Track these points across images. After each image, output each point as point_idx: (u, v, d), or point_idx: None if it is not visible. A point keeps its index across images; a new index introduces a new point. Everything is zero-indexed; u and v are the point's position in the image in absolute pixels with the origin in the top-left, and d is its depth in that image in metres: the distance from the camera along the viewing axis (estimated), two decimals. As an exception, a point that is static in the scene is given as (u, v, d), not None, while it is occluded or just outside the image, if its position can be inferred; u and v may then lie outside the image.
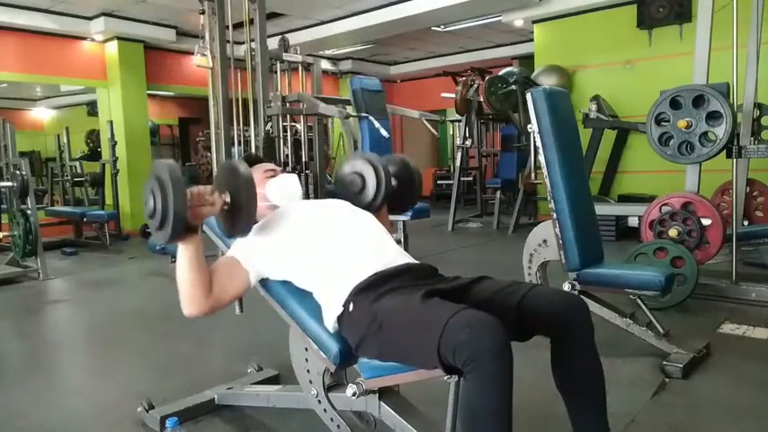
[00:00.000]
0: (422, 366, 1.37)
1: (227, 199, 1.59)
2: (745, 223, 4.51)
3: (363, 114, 4.10)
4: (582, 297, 2.20)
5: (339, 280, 1.56)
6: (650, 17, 6.48)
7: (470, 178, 8.68)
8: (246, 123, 4.04)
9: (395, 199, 2.01)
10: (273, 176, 1.89)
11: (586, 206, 2.64)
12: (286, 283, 1.72)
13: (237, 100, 3.87)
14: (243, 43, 3.83)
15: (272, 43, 4.24)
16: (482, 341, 1.20)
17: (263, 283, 1.77)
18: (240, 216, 1.60)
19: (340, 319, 1.54)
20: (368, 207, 1.88)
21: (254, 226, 1.73)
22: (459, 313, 1.26)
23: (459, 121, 7.89)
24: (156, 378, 2.70)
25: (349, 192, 1.93)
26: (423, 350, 1.29)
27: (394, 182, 1.97)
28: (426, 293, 1.40)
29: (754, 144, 3.92)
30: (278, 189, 1.84)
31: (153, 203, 1.47)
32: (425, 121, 5.74)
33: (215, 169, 4.17)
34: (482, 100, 7.15)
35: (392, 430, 1.65)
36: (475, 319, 1.24)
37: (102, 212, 6.94)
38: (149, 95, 8.62)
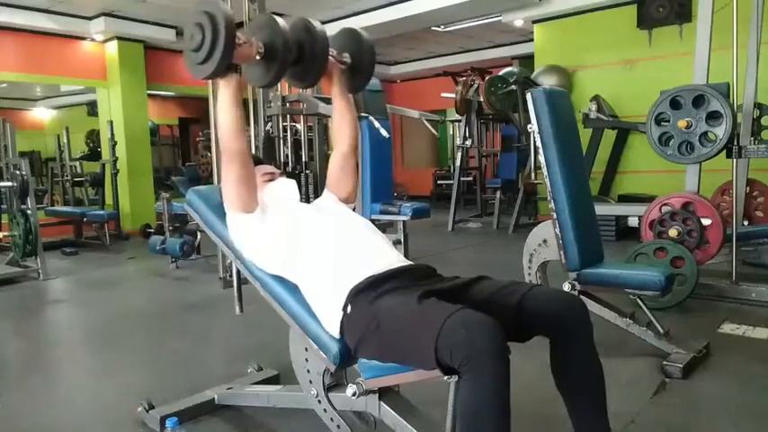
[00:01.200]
0: (420, 367, 1.37)
1: (261, 49, 1.63)
2: (745, 223, 4.51)
3: (363, 114, 4.09)
4: (581, 297, 2.20)
5: (336, 283, 1.55)
6: (650, 17, 6.48)
7: (470, 178, 8.69)
8: (246, 123, 4.04)
9: (350, 76, 1.94)
10: (272, 180, 1.90)
11: (586, 206, 2.64)
12: (286, 283, 1.72)
13: (237, 100, 3.87)
14: (243, 43, 3.82)
15: (272, 43, 4.23)
16: (478, 341, 1.20)
17: (263, 282, 1.77)
18: (273, 65, 1.64)
19: (342, 325, 1.54)
20: (312, 82, 1.85)
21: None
22: (456, 314, 1.25)
23: (459, 121, 7.89)
24: (156, 378, 2.70)
25: (286, 62, 1.74)
26: (420, 351, 1.29)
27: (347, 57, 1.91)
28: (424, 294, 1.40)
29: (754, 144, 3.92)
30: (276, 192, 1.85)
31: (201, 35, 1.52)
32: (425, 121, 5.73)
33: (215, 169, 4.17)
34: (482, 100, 7.15)
35: (392, 430, 1.65)
36: (471, 320, 1.24)
37: (102, 212, 6.93)
38: (149, 95, 8.61)
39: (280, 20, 1.66)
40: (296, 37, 1.74)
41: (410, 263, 1.67)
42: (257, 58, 1.64)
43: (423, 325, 1.30)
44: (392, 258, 1.64)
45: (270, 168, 1.98)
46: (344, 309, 1.52)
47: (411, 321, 1.35)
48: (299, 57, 1.75)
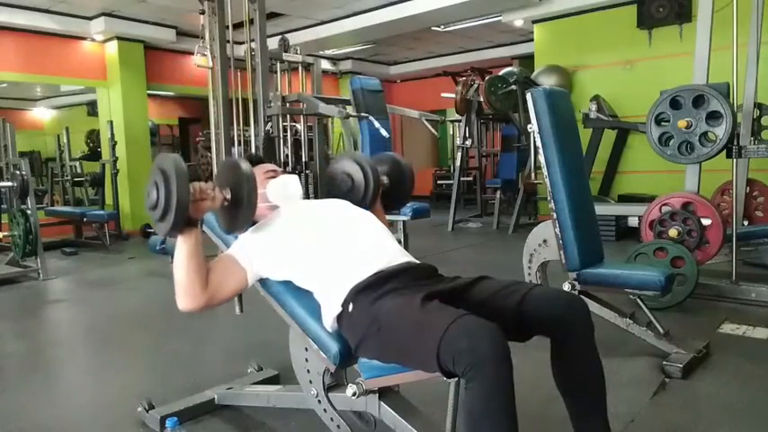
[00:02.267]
0: (420, 369, 1.36)
1: (228, 195, 1.62)
2: (745, 223, 4.51)
3: (363, 114, 4.09)
4: (582, 297, 2.20)
5: (339, 279, 1.56)
6: (650, 17, 6.48)
7: (470, 178, 8.68)
8: (246, 123, 4.03)
9: (388, 197, 2.03)
10: (274, 177, 1.90)
11: (586, 206, 2.64)
12: (286, 283, 1.72)
13: (237, 100, 3.87)
14: (243, 43, 3.82)
15: (272, 43, 4.23)
16: (481, 349, 1.20)
17: (263, 282, 1.77)
18: (240, 212, 1.63)
19: (339, 318, 1.55)
20: (359, 206, 1.89)
21: (255, 226, 1.73)
22: (459, 320, 1.25)
23: (459, 121, 7.89)
24: (156, 378, 2.70)
25: (339, 191, 1.95)
26: (422, 355, 1.29)
27: (386, 180, 2.00)
28: (426, 296, 1.39)
29: (754, 144, 3.91)
30: (278, 190, 1.84)
31: (156, 195, 1.50)
32: (425, 121, 5.74)
33: (215, 169, 4.17)
34: (482, 100, 7.14)
35: (392, 430, 1.65)
36: (474, 326, 1.24)
37: (102, 212, 6.93)
38: (149, 95, 8.62)
39: (243, 162, 1.66)
40: (348, 172, 1.95)
41: (412, 259, 1.67)
42: (225, 205, 1.63)
43: (425, 330, 1.30)
44: (395, 255, 1.64)
45: (271, 166, 1.98)
46: (345, 307, 1.52)
47: (413, 325, 1.35)
48: (354, 190, 1.94)
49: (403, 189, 2.09)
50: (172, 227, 1.50)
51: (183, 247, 1.58)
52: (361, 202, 1.92)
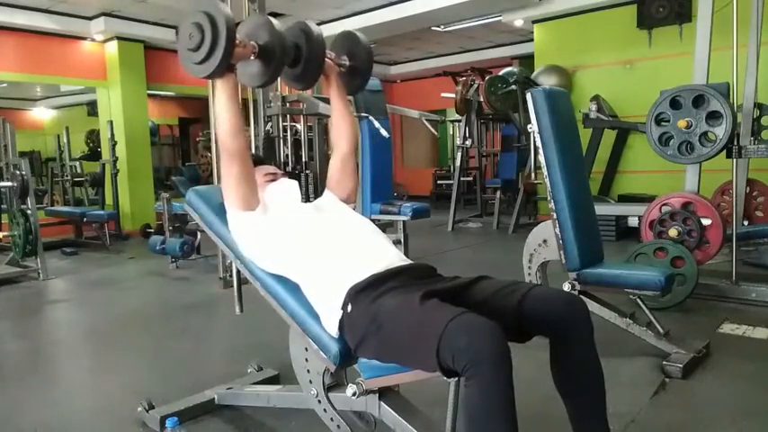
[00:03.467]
0: (421, 368, 1.36)
1: (256, 49, 1.65)
2: (745, 223, 4.51)
3: (363, 114, 4.09)
4: (582, 298, 2.20)
5: (337, 282, 1.56)
6: (650, 17, 6.48)
7: (470, 178, 8.68)
8: (247, 123, 4.04)
9: (350, 75, 1.96)
10: (274, 180, 1.91)
11: (586, 206, 2.64)
12: (286, 283, 1.72)
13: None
14: (243, 43, 3.83)
15: (272, 43, 4.23)
16: (481, 347, 1.20)
17: (263, 282, 1.77)
18: (268, 65, 1.66)
19: (341, 323, 1.55)
20: (305, 80, 1.85)
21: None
22: (459, 318, 1.25)
23: (459, 121, 7.89)
24: (156, 378, 2.70)
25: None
26: (421, 353, 1.29)
27: (345, 60, 1.94)
28: (425, 294, 1.39)
29: (754, 144, 3.91)
30: (278, 193, 1.86)
31: (201, 36, 1.54)
32: (425, 121, 5.73)
33: (215, 169, 4.17)
34: (482, 100, 7.15)
35: (392, 430, 1.65)
36: (474, 325, 1.24)
37: (102, 212, 6.94)
38: (149, 95, 8.61)
39: (275, 21, 1.68)
40: (293, 39, 1.76)
41: (410, 262, 1.67)
42: (252, 58, 1.66)
43: (425, 328, 1.29)
44: (393, 258, 1.64)
45: (271, 169, 1.99)
46: (345, 308, 1.52)
47: (413, 324, 1.35)
48: (296, 59, 1.77)
49: (363, 66, 1.96)
50: (216, 68, 1.54)
51: (223, 90, 1.63)
52: (311, 76, 1.83)
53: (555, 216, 2.52)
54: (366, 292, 1.49)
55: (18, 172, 5.21)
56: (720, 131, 3.37)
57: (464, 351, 1.20)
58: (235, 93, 1.65)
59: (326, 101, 4.48)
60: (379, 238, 1.72)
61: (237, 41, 1.59)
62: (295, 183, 1.94)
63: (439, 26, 8.54)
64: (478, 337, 1.21)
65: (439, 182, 11.38)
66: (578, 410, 1.48)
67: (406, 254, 3.95)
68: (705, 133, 3.43)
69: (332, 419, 1.74)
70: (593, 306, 2.62)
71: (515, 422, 1.21)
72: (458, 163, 7.69)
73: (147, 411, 2.11)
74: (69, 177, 8.34)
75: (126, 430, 2.11)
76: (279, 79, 4.63)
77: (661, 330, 2.56)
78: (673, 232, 3.49)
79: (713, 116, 3.39)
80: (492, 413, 1.20)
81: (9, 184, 5.34)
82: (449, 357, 1.22)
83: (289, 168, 4.51)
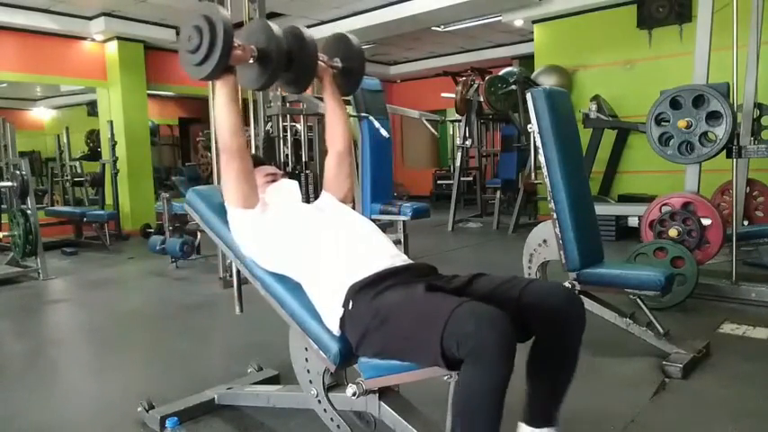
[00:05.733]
0: (423, 361, 1.36)
1: (255, 53, 1.67)
2: (745, 223, 4.51)
3: (363, 114, 4.09)
4: (579, 295, 2.20)
5: (336, 281, 1.56)
6: (650, 17, 6.49)
7: (470, 178, 8.69)
8: (246, 123, 4.04)
9: (343, 76, 1.98)
10: (274, 181, 1.91)
11: (586, 206, 2.64)
12: (286, 283, 1.72)
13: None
14: (243, 43, 3.83)
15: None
16: (488, 333, 1.20)
17: (263, 282, 1.77)
18: (266, 68, 1.68)
19: (342, 321, 1.55)
20: (299, 83, 1.86)
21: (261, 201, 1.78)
22: (466, 304, 1.26)
23: (459, 121, 7.89)
24: (156, 378, 2.70)
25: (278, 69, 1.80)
26: (425, 342, 1.29)
27: (338, 62, 1.95)
28: (429, 287, 1.41)
29: (754, 144, 3.91)
30: (278, 193, 1.86)
31: (199, 38, 1.57)
32: (425, 121, 5.74)
33: (215, 169, 4.17)
34: (482, 100, 7.15)
35: (392, 430, 1.65)
36: (481, 311, 1.24)
37: (102, 212, 6.94)
38: (149, 95, 8.61)
39: (273, 25, 1.70)
40: (286, 44, 1.77)
41: (411, 261, 1.68)
42: (251, 61, 1.68)
43: (430, 315, 1.30)
44: (393, 257, 1.65)
45: (271, 169, 2.00)
46: (346, 305, 1.53)
47: (418, 312, 1.36)
48: (289, 63, 1.79)
49: (355, 67, 1.98)
50: (214, 69, 1.57)
51: (223, 91, 1.65)
52: (304, 80, 1.85)
53: (555, 216, 2.52)
54: (367, 290, 1.50)
55: (18, 172, 5.22)
56: (720, 131, 3.37)
57: (470, 336, 1.20)
58: (234, 94, 1.67)
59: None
60: (380, 238, 1.73)
61: (237, 45, 1.61)
62: (295, 183, 1.95)
63: (439, 26, 8.54)
64: (486, 323, 1.21)
65: (439, 182, 11.39)
66: (543, 392, 1.48)
67: (406, 254, 3.94)
68: (705, 133, 3.43)
69: (332, 419, 1.74)
70: (593, 306, 2.63)
71: (501, 413, 1.23)
72: (458, 163, 7.69)
73: (147, 411, 2.11)
74: (69, 177, 8.34)
75: (126, 430, 2.11)
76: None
77: (661, 330, 2.56)
78: (673, 232, 3.49)
79: (713, 116, 3.39)
80: (485, 401, 1.21)
81: (9, 184, 5.34)
82: (453, 344, 1.22)
83: (289, 168, 4.51)
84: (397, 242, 4.10)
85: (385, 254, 1.65)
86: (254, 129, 4.04)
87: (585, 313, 1.48)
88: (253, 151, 3.92)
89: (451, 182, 7.94)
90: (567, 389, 1.49)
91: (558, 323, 1.43)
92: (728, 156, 3.47)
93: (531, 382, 1.49)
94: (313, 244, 1.67)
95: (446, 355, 1.25)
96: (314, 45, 1.79)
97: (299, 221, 1.74)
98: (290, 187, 1.91)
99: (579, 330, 1.45)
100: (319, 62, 1.86)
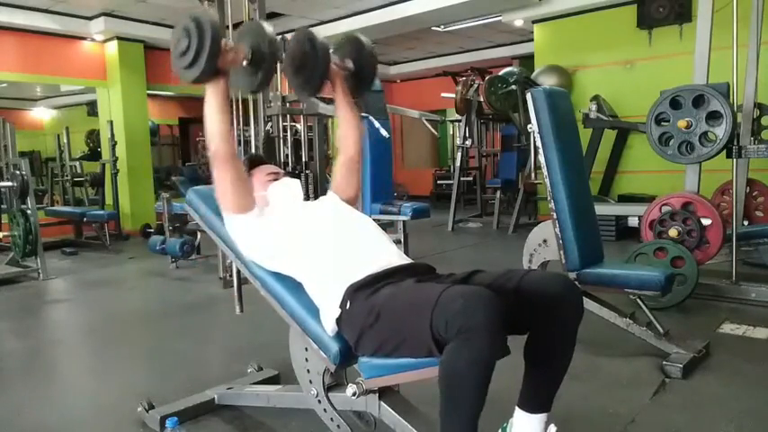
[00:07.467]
0: (417, 351, 1.36)
1: (249, 55, 1.66)
2: (745, 223, 4.51)
3: (363, 114, 4.09)
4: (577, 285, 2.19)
5: (335, 281, 1.57)
6: (650, 17, 6.48)
7: (470, 178, 8.68)
8: (246, 123, 4.04)
9: (355, 78, 1.96)
10: (276, 179, 1.91)
11: (586, 206, 2.64)
12: (286, 282, 1.73)
13: (238, 100, 3.87)
14: (243, 43, 3.83)
15: (272, 43, 4.23)
16: (476, 312, 1.19)
17: (263, 282, 1.77)
18: (259, 71, 1.68)
19: (338, 320, 1.55)
20: (311, 86, 1.85)
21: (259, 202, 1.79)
22: (454, 286, 1.27)
23: (459, 121, 7.89)
24: (156, 378, 2.70)
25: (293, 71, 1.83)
26: (416, 329, 1.30)
27: (350, 64, 1.94)
28: (421, 280, 1.43)
29: (754, 144, 3.92)
30: (281, 192, 1.86)
31: (188, 41, 1.57)
32: (425, 121, 5.74)
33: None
34: (482, 100, 7.14)
35: (392, 430, 1.65)
36: (469, 291, 1.24)
37: (102, 212, 6.93)
38: (149, 95, 8.61)
39: (267, 26, 1.69)
40: (299, 48, 1.77)
41: (410, 261, 1.68)
42: (244, 64, 1.67)
43: (420, 301, 1.32)
44: (393, 256, 1.65)
45: (274, 168, 2.00)
46: (343, 305, 1.53)
47: (408, 300, 1.38)
48: (301, 66, 1.79)
49: (367, 69, 1.97)
50: (202, 72, 1.56)
51: (213, 98, 1.64)
52: (316, 83, 1.84)
53: (555, 216, 2.52)
54: (364, 290, 1.50)
55: (18, 172, 5.21)
56: (720, 131, 3.37)
57: (458, 315, 1.19)
58: (225, 99, 1.66)
59: (327, 101, 4.49)
60: (380, 237, 1.73)
61: (227, 47, 1.60)
62: (297, 181, 1.95)
63: (439, 26, 8.54)
64: (474, 303, 1.21)
65: (439, 182, 11.38)
66: (540, 379, 1.48)
67: (405, 254, 3.95)
68: (705, 133, 3.43)
69: (332, 419, 1.74)
70: (593, 306, 2.63)
71: (486, 394, 1.22)
72: (458, 163, 7.69)
73: (147, 411, 2.11)
74: (69, 177, 8.33)
75: (126, 430, 2.11)
76: (278, 79, 4.63)
77: (661, 330, 2.56)
78: (673, 232, 3.49)
79: (713, 116, 3.39)
80: (470, 380, 1.20)
81: (9, 184, 5.34)
82: (442, 325, 1.22)
83: (289, 168, 4.51)
84: (397, 242, 4.10)
85: (384, 253, 1.65)
86: (254, 129, 4.03)
87: (583, 301, 1.49)
88: (253, 151, 3.92)
89: (451, 182, 7.94)
90: (563, 376, 1.49)
91: (556, 309, 1.42)
92: (728, 156, 3.47)
93: (528, 367, 1.49)
94: (313, 243, 1.67)
95: (437, 340, 1.25)
96: (326, 47, 1.80)
97: (301, 221, 1.74)
98: (293, 186, 1.90)
99: (577, 317, 1.46)
100: (331, 64, 1.86)
